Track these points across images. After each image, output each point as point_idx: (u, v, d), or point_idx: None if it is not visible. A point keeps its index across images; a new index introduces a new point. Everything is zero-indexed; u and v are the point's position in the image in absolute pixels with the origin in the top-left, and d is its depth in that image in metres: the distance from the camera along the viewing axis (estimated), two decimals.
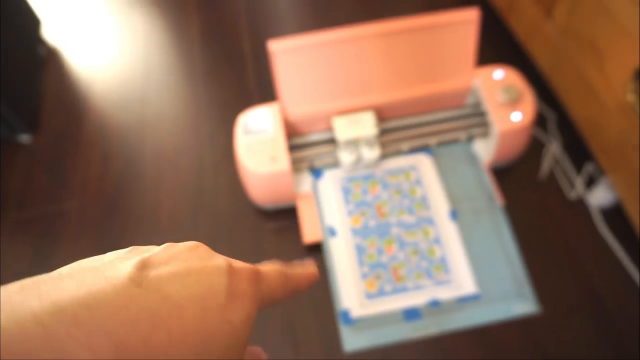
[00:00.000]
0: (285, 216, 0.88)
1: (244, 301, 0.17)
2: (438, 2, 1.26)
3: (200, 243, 0.18)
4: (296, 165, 0.84)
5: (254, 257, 0.85)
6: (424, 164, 0.87)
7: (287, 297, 0.21)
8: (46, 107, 1.10)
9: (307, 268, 0.22)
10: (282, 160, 0.78)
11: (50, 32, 1.24)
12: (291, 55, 0.78)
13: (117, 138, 1.04)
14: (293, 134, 0.86)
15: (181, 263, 0.16)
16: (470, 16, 0.80)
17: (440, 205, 0.83)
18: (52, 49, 1.21)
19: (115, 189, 0.96)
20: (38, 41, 1.19)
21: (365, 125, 0.83)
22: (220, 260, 0.17)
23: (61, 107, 1.10)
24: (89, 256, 0.16)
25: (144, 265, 0.15)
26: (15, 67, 1.05)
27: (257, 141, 0.80)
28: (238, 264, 0.18)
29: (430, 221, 0.82)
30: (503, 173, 0.91)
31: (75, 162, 1.01)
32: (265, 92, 1.09)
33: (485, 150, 0.88)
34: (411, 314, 0.74)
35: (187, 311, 0.15)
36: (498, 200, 0.84)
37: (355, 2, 1.31)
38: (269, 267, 0.20)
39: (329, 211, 0.83)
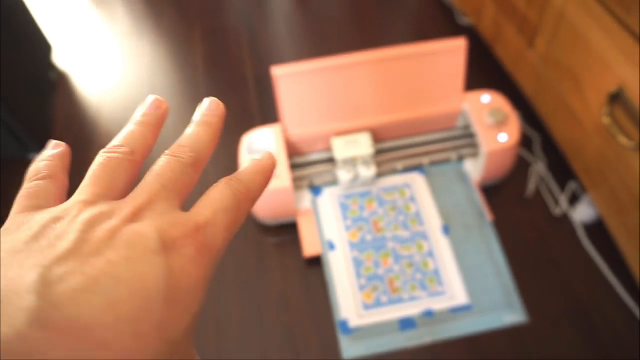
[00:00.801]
0: (285, 231, 0.92)
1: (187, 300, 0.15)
2: (428, 32, 1.34)
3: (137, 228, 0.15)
4: (297, 183, 0.89)
5: (256, 270, 0.89)
6: (417, 181, 0.93)
7: (247, 207, 0.19)
8: (56, 129, 1.15)
9: (260, 164, 0.21)
10: (284, 177, 0.83)
11: (60, 57, 1.30)
12: (293, 80, 0.84)
13: None
14: (294, 153, 0.91)
15: (94, 269, 0.14)
16: (459, 45, 0.87)
17: (433, 220, 0.88)
18: (62, 74, 1.27)
19: None
20: (49, 66, 1.25)
21: (362, 145, 0.88)
22: (156, 260, 0.14)
23: (71, 129, 1.15)
24: None
25: (47, 283, 0.13)
26: (27, 90, 1.10)
27: None
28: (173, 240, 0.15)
29: (423, 235, 0.87)
30: (492, 190, 0.96)
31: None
32: (266, 114, 1.15)
33: (474, 169, 0.93)
34: (406, 323, 0.78)
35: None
36: (487, 215, 0.88)
37: (349, 32, 1.39)
38: (211, 204, 0.18)
39: (327, 226, 0.87)
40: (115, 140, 0.20)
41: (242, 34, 1.37)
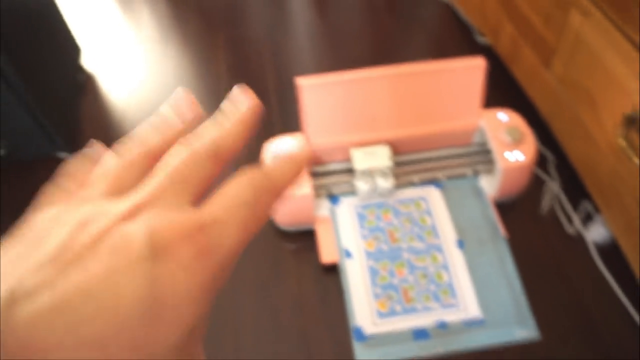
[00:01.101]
0: (303, 238, 0.94)
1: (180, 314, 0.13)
2: (445, 48, 1.37)
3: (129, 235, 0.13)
4: (316, 192, 0.91)
5: (273, 275, 0.91)
6: (433, 195, 0.95)
7: (268, 202, 0.17)
8: (84, 129, 1.19)
9: (292, 158, 0.19)
10: (305, 185, 0.86)
11: (89, 60, 1.34)
12: (316, 91, 0.87)
13: None
14: (314, 162, 0.94)
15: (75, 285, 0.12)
16: (478, 64, 0.89)
17: (448, 234, 0.90)
18: (90, 76, 1.31)
19: None
20: (78, 68, 1.29)
21: (381, 157, 0.91)
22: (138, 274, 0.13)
23: (97, 129, 1.19)
24: None
25: (12, 301, 0.12)
26: (57, 90, 1.14)
27: None
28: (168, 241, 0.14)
29: (438, 248, 0.88)
30: (507, 207, 0.98)
31: None
32: (286, 123, 1.18)
33: (490, 185, 0.95)
34: (420, 333, 0.80)
35: None
36: (502, 231, 0.90)
37: (368, 44, 1.42)
38: (224, 199, 0.16)
39: (345, 235, 0.90)
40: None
41: (264, 44, 1.40)
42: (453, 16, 1.44)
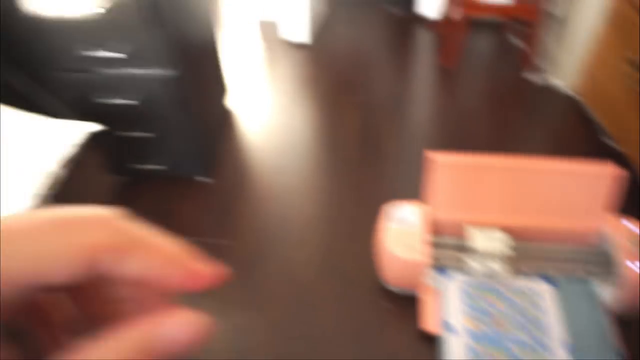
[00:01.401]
0: (405, 301, 0.97)
1: None
2: (567, 144, 1.37)
3: None
4: (429, 261, 0.95)
5: (370, 329, 0.95)
6: (546, 291, 0.94)
7: None
8: (223, 159, 1.34)
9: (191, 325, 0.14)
10: (421, 252, 0.90)
11: (232, 100, 1.53)
12: (446, 168, 0.93)
13: (274, 199, 1.23)
14: (431, 232, 0.99)
15: None
16: (609, 172, 0.90)
17: (557, 334, 0.88)
18: (231, 113, 1.50)
19: (265, 240, 1.14)
20: (223, 106, 1.49)
21: (498, 242, 0.93)
22: None
23: (234, 161, 1.35)
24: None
25: None
26: (209, 123, 1.32)
27: (403, 231, 0.94)
28: None
29: (544, 346, 0.87)
30: (629, 322, 0.93)
31: (237, 209, 1.21)
32: (401, 189, 1.24)
33: (608, 294, 0.92)
34: None
35: None
36: (616, 345, 0.86)
37: (490, 129, 1.47)
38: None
39: (450, 309, 0.92)
40: None
41: (389, 111, 1.51)
42: (579, 113, 1.45)
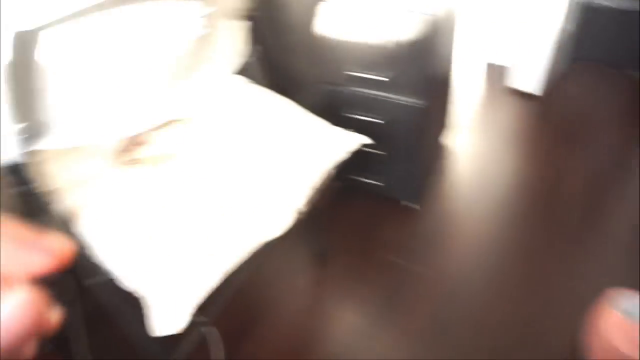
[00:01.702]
0: None
1: None
2: None
3: None
4: None
5: None
6: None
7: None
8: (432, 191, 1.37)
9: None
10: None
11: (449, 136, 1.56)
12: None
13: (469, 245, 1.21)
14: None
15: None
16: None
17: None
18: (446, 149, 1.52)
19: (453, 280, 1.12)
20: (440, 142, 1.52)
21: None
22: None
23: (441, 195, 1.36)
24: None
25: None
26: (427, 153, 1.36)
27: (629, 325, 0.83)
28: None
29: None
30: None
31: (436, 241, 1.22)
32: (619, 274, 1.09)
33: None
34: None
35: None
36: None
37: None
38: None
39: None
40: None
41: (612, 180, 1.35)
42: None
